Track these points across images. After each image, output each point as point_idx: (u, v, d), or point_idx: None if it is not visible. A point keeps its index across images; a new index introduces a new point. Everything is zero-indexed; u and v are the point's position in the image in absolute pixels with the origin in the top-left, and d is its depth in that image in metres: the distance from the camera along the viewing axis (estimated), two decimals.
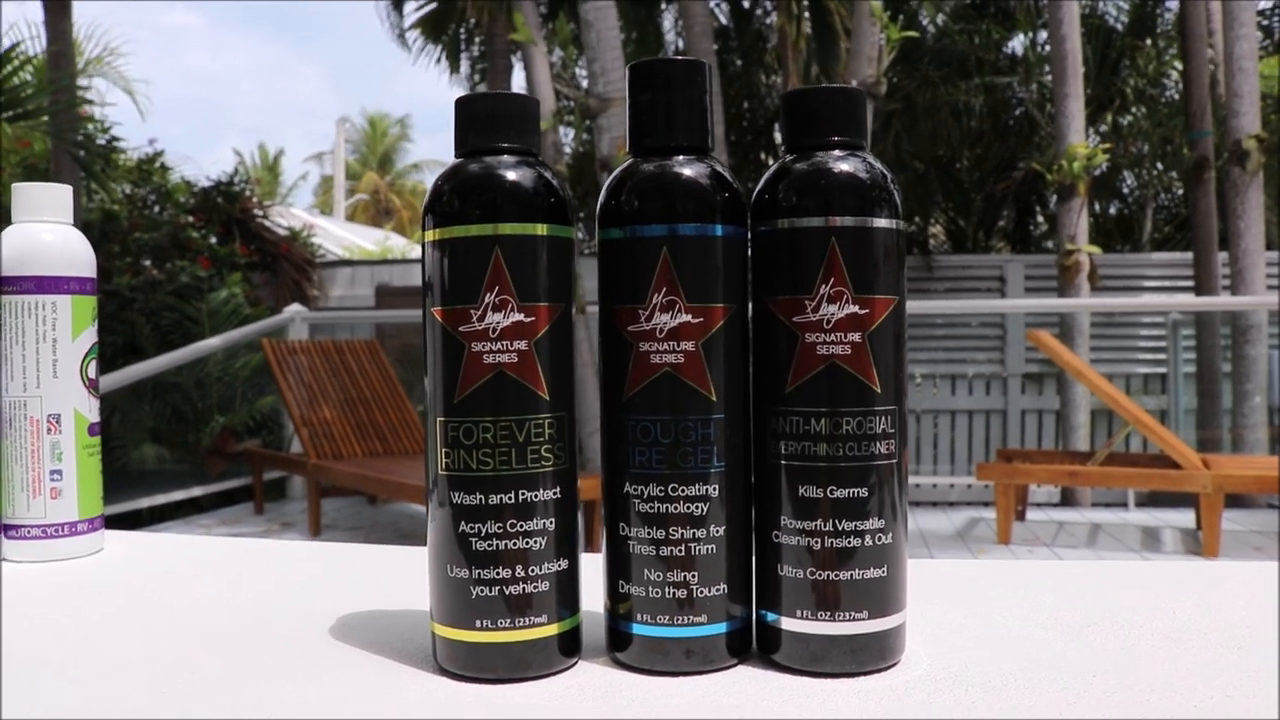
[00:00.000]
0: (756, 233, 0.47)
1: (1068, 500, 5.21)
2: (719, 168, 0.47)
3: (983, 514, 4.89)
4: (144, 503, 4.85)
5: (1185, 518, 4.54)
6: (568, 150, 8.55)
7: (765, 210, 0.47)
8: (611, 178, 0.47)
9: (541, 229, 0.45)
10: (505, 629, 0.45)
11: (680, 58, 0.48)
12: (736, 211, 0.46)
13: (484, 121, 0.47)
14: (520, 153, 0.47)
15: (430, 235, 0.46)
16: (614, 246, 0.46)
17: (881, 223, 0.46)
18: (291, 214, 10.14)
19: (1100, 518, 4.81)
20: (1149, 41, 7.95)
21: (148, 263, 6.58)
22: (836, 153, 0.47)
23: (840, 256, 0.45)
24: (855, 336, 0.45)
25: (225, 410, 5.92)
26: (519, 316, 0.45)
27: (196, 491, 5.32)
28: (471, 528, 0.45)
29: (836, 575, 0.45)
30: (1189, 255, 6.17)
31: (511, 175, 0.46)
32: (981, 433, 6.12)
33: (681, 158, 0.46)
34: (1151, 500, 5.10)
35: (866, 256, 0.45)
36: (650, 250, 0.45)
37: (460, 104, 0.47)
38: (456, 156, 0.48)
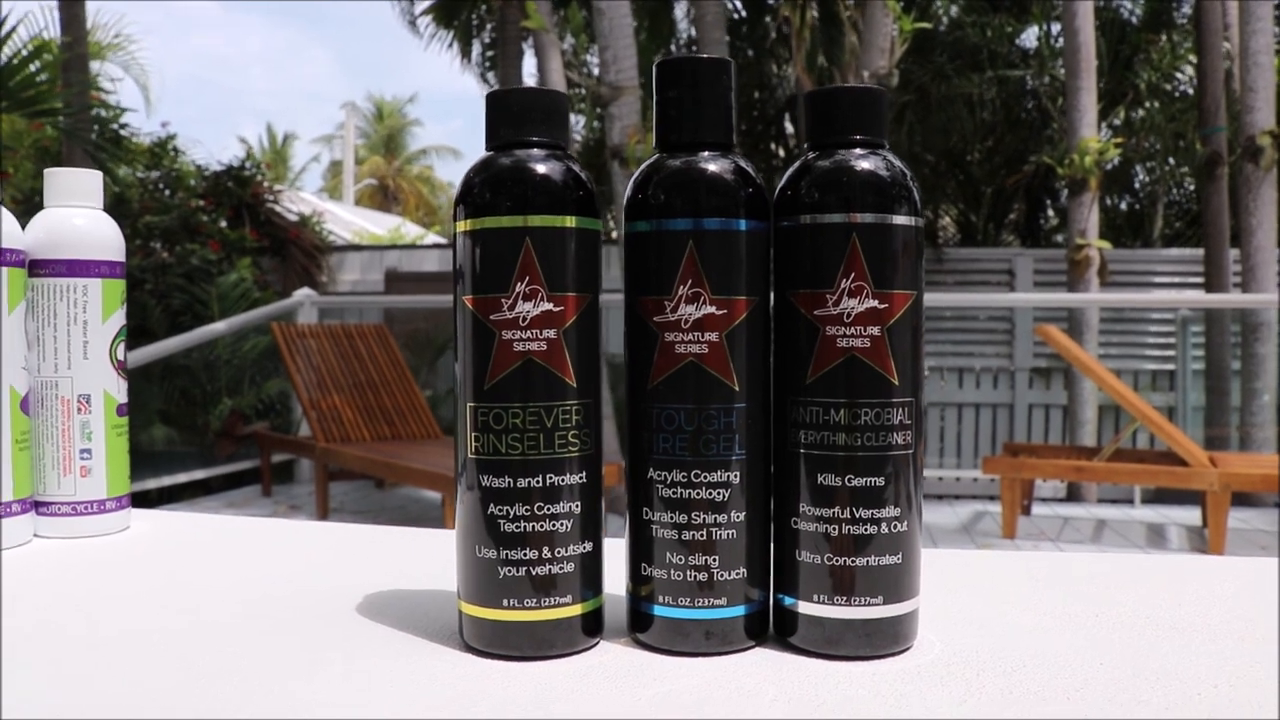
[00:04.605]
0: (779, 228, 0.48)
1: (1074, 496, 5.21)
2: (743, 164, 0.48)
3: (988, 508, 4.90)
4: (151, 484, 4.88)
5: (1191, 515, 4.55)
6: (578, 138, 8.54)
7: (788, 206, 0.48)
8: (638, 173, 0.49)
9: (570, 221, 0.47)
10: (531, 608, 0.46)
11: (706, 56, 0.49)
12: (760, 207, 0.48)
13: (515, 116, 0.48)
14: (550, 146, 0.48)
15: (462, 225, 0.47)
16: (641, 239, 0.47)
17: (901, 219, 0.47)
18: (301, 198, 10.16)
19: (1106, 514, 4.82)
20: (1164, 35, 7.91)
21: (158, 245, 6.61)
22: (858, 150, 0.48)
23: (861, 252, 0.46)
24: (874, 330, 0.46)
25: (233, 393, 5.95)
26: (548, 306, 0.46)
27: (205, 473, 5.35)
28: (500, 510, 0.46)
29: (852, 561, 0.47)
30: (1200, 251, 6.16)
31: (541, 168, 0.47)
32: (988, 426, 6.13)
33: (706, 154, 0.48)
34: (1158, 497, 5.11)
35: (886, 252, 0.46)
36: (676, 243, 0.46)
37: (492, 99, 0.49)
38: (488, 149, 0.49)
